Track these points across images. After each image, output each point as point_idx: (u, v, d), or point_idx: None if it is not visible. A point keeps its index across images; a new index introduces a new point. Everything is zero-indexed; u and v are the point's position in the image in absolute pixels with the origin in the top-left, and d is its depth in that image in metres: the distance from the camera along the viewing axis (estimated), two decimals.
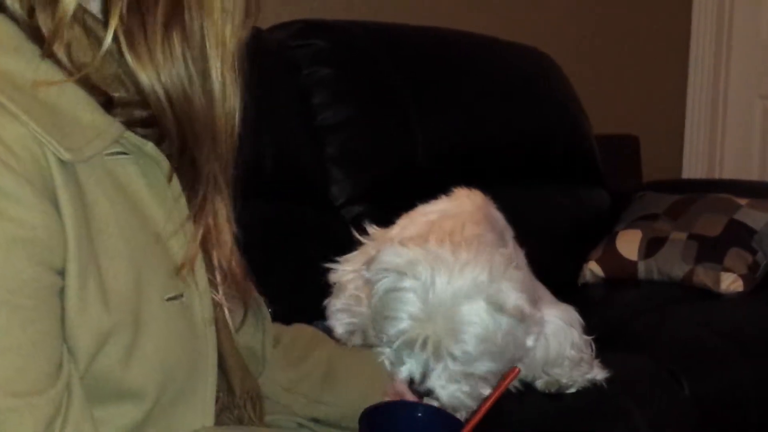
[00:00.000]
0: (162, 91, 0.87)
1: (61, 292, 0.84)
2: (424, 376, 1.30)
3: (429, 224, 1.44)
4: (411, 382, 1.31)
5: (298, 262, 1.47)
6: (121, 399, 0.89)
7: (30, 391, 0.81)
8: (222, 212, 0.98)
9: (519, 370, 1.04)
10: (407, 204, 1.58)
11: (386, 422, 1.00)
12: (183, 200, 0.94)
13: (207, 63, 0.90)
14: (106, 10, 0.87)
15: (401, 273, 1.29)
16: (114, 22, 0.84)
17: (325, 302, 1.49)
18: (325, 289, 1.53)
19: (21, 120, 0.81)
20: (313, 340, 1.29)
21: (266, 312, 1.21)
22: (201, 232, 0.94)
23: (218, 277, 1.01)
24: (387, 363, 1.32)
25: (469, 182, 1.54)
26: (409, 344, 1.29)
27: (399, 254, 1.31)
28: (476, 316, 1.26)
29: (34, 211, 0.80)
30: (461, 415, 1.25)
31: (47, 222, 0.81)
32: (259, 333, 1.19)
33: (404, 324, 1.27)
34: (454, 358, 1.27)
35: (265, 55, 2.07)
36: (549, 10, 3.31)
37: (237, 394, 1.08)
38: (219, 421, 1.03)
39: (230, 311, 1.05)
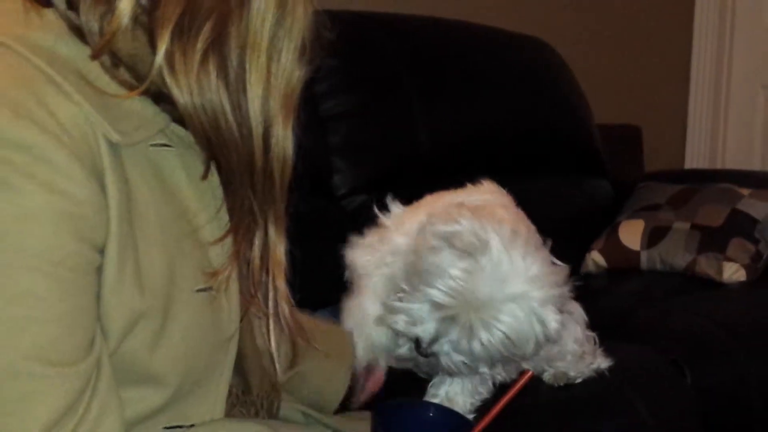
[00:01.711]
0: (194, 113, 0.88)
1: (99, 271, 0.86)
2: (433, 341, 1.29)
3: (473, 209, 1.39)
4: (417, 345, 1.30)
5: (299, 251, 1.46)
6: (143, 383, 0.91)
7: (63, 362, 0.82)
8: (275, 246, 0.97)
9: (532, 374, 1.04)
10: (409, 195, 1.57)
11: (398, 419, 1.01)
12: (219, 188, 0.96)
13: (245, 96, 0.90)
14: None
15: (473, 248, 1.26)
16: (163, 45, 0.86)
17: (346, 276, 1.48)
18: (326, 279, 1.53)
19: (74, 100, 0.84)
20: None
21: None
22: (237, 249, 0.94)
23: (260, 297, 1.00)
24: (402, 322, 1.30)
25: (472, 173, 1.54)
26: (441, 308, 1.27)
27: (475, 233, 1.27)
28: (519, 319, 1.25)
29: (82, 188, 0.83)
30: (469, 411, 1.26)
31: (93, 199, 0.83)
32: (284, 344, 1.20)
33: (448, 297, 1.26)
34: (476, 344, 1.27)
35: None
36: (551, 1, 3.30)
37: (254, 393, 1.10)
38: (230, 414, 1.04)
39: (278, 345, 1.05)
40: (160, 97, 0.90)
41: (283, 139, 0.93)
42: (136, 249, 0.88)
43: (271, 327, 1.02)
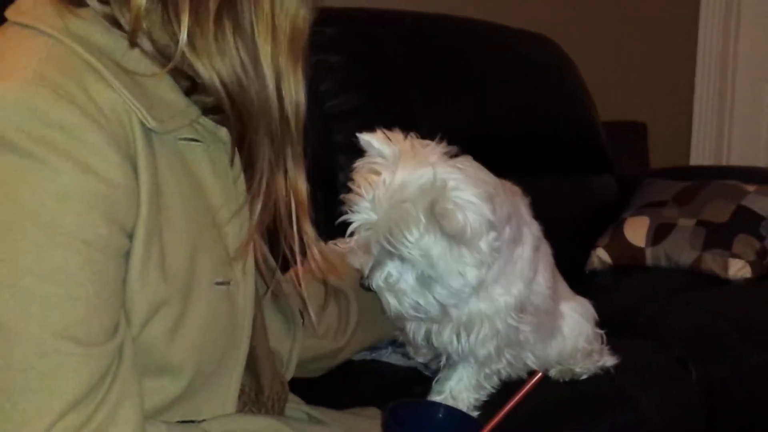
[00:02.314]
0: (217, 79, 0.92)
1: (127, 256, 0.87)
2: (372, 272, 1.27)
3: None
4: (361, 277, 1.29)
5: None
6: (160, 374, 0.92)
7: (90, 342, 0.84)
8: (299, 186, 0.99)
9: (542, 375, 1.03)
10: None
11: (408, 418, 1.01)
12: (242, 183, 0.98)
13: (257, 50, 0.93)
14: None
15: (373, 156, 1.27)
16: (186, 19, 0.88)
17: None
18: None
19: (114, 86, 0.86)
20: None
21: (299, 321, 1.23)
22: (258, 213, 0.96)
23: (293, 252, 1.01)
24: (355, 259, 1.29)
25: None
26: (361, 228, 1.25)
27: (382, 139, 1.29)
28: (415, 220, 1.20)
29: (117, 171, 0.85)
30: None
31: (126, 183, 0.85)
32: (288, 340, 1.22)
33: (356, 208, 1.24)
34: (399, 254, 1.22)
35: None
36: None
37: (265, 394, 1.11)
38: (242, 413, 1.05)
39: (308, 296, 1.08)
40: (192, 90, 0.93)
41: (295, 83, 0.96)
42: (162, 237, 0.90)
43: (301, 274, 1.04)
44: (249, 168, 0.98)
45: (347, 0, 2.51)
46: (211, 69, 0.91)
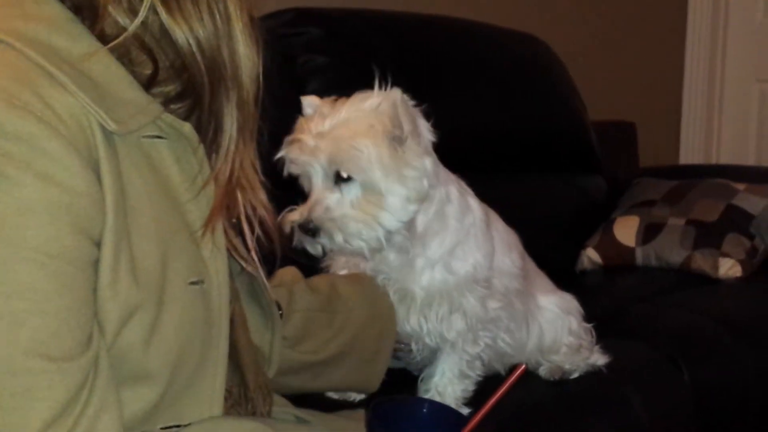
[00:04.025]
0: (195, 43, 0.92)
1: (96, 264, 0.85)
2: (310, 211, 1.30)
3: None
4: (301, 227, 1.31)
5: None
6: (137, 382, 0.90)
7: (63, 357, 0.82)
8: (248, 162, 1.00)
9: (525, 367, 1.03)
10: None
11: (393, 415, 1.00)
12: (206, 167, 0.97)
13: (228, 11, 0.94)
14: None
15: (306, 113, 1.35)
16: None
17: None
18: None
19: (70, 90, 0.84)
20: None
21: (276, 313, 1.22)
22: (224, 183, 0.96)
23: (246, 229, 1.03)
24: (285, 214, 1.32)
25: (465, 171, 1.53)
26: (304, 177, 1.32)
27: (311, 99, 1.38)
28: (356, 137, 1.28)
29: (79, 179, 0.82)
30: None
31: (91, 191, 0.83)
32: (267, 333, 1.21)
33: (294, 153, 1.31)
34: (340, 178, 1.29)
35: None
36: None
37: (251, 388, 1.09)
38: (229, 414, 1.04)
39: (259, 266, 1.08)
40: (152, 80, 0.92)
41: (253, 49, 0.96)
42: (130, 241, 0.88)
43: (247, 231, 1.04)
44: (213, 149, 0.97)
45: (334, 0, 2.50)
46: (189, 33, 0.91)
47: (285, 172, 1.32)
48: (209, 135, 0.97)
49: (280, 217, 1.30)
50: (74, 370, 0.82)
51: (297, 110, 1.38)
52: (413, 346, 1.45)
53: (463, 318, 1.38)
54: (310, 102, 1.37)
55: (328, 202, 1.30)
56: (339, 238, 1.29)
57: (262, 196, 1.03)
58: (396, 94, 1.32)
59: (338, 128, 1.29)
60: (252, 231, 1.03)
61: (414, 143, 1.31)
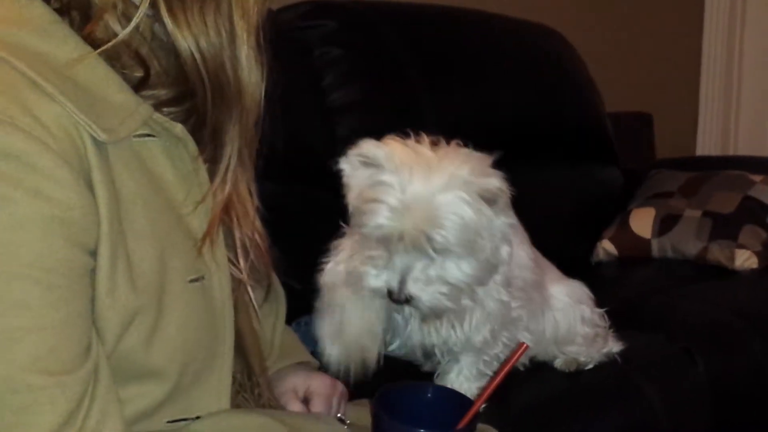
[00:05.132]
0: (199, 55, 0.90)
1: (92, 273, 0.85)
2: (402, 283, 1.30)
3: None
4: (390, 294, 1.31)
5: (309, 243, 1.47)
6: (143, 379, 0.91)
7: (61, 371, 0.82)
8: (244, 185, 1.00)
9: (527, 346, 1.03)
10: None
11: (397, 403, 1.01)
12: (204, 174, 0.96)
13: (235, 32, 0.92)
14: None
15: (380, 166, 1.29)
16: None
17: (316, 305, 1.48)
18: None
19: (58, 100, 0.82)
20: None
21: (282, 298, 1.22)
22: (222, 201, 0.95)
23: (240, 252, 1.02)
24: (367, 276, 1.32)
25: None
26: (387, 240, 1.28)
27: (379, 146, 1.31)
28: (455, 204, 1.26)
29: (71, 192, 0.82)
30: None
31: (83, 203, 0.83)
32: (271, 317, 1.20)
33: (382, 218, 1.27)
34: (433, 247, 1.27)
35: (275, 37, 2.06)
36: None
37: (256, 373, 1.09)
38: (235, 402, 1.04)
39: (253, 288, 1.06)
40: (144, 83, 0.91)
41: (257, 70, 0.95)
42: (126, 247, 0.87)
43: (240, 254, 1.03)
44: (213, 160, 0.96)
45: None
46: (193, 44, 0.89)
47: (368, 233, 1.31)
48: (208, 149, 0.96)
49: (363, 279, 1.32)
50: (74, 382, 0.83)
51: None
52: (438, 356, 1.45)
53: (487, 322, 1.39)
54: (374, 153, 1.32)
55: (416, 272, 1.30)
56: (434, 302, 1.31)
57: (257, 221, 1.03)
58: (486, 160, 1.32)
59: (428, 195, 1.26)
60: (246, 258, 1.02)
61: (500, 211, 1.32)
